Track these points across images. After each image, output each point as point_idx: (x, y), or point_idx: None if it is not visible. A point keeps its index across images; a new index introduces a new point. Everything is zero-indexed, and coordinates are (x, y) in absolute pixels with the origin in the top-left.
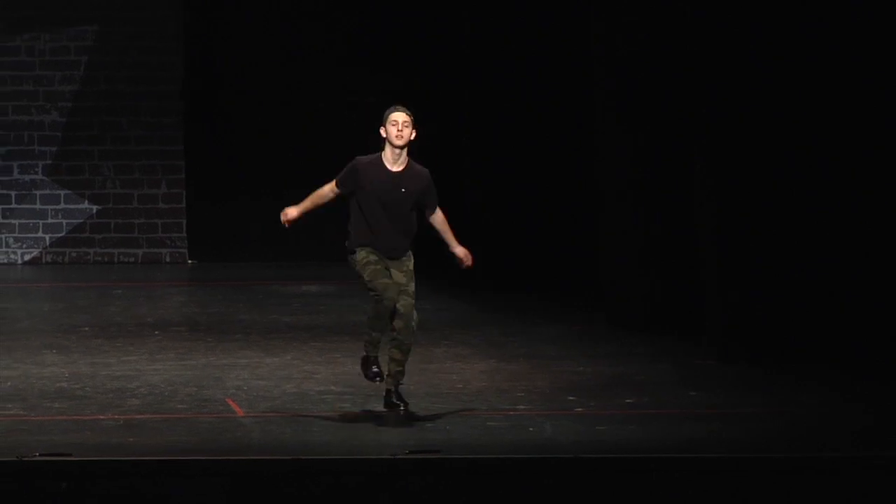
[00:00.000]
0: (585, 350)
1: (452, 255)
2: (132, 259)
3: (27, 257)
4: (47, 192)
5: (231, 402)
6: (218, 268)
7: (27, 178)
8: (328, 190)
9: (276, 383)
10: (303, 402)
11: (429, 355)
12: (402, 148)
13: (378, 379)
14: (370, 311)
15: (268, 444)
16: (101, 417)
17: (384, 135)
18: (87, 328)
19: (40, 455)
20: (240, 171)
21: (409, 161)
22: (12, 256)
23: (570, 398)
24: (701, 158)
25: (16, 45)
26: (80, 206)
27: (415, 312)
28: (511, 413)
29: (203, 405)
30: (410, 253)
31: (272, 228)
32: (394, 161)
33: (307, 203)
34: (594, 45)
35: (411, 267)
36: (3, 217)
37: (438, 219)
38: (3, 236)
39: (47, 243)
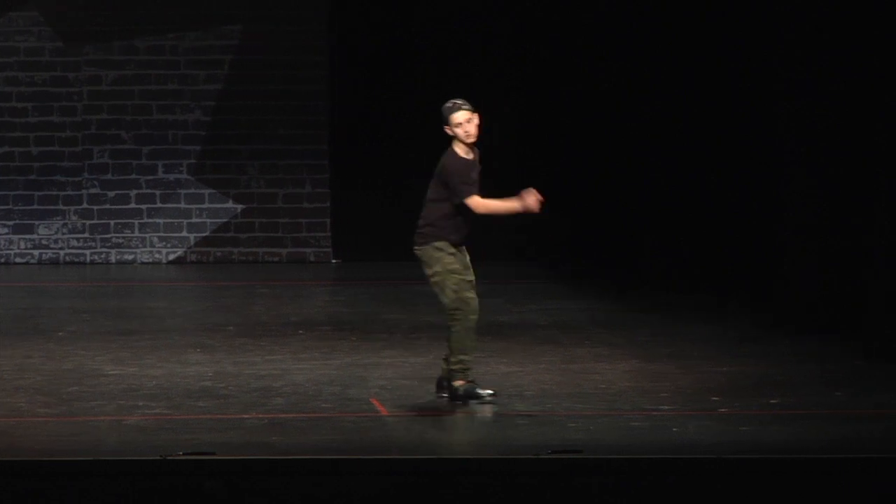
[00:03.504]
0: (731, 350)
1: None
2: (276, 258)
3: (172, 256)
4: (192, 191)
5: (375, 402)
6: (362, 267)
7: (171, 177)
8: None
9: (421, 383)
10: (447, 402)
11: (572, 355)
12: (474, 144)
13: (489, 395)
14: (457, 331)
15: (411, 444)
16: (246, 416)
17: (451, 133)
18: (231, 327)
19: (184, 454)
20: (385, 171)
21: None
22: (157, 256)
23: (714, 398)
24: (876, 162)
25: (160, 45)
26: (225, 205)
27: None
28: (654, 413)
29: (347, 404)
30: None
31: (416, 227)
32: (470, 151)
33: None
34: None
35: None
36: (148, 216)
37: None
38: (147, 235)
39: (192, 243)
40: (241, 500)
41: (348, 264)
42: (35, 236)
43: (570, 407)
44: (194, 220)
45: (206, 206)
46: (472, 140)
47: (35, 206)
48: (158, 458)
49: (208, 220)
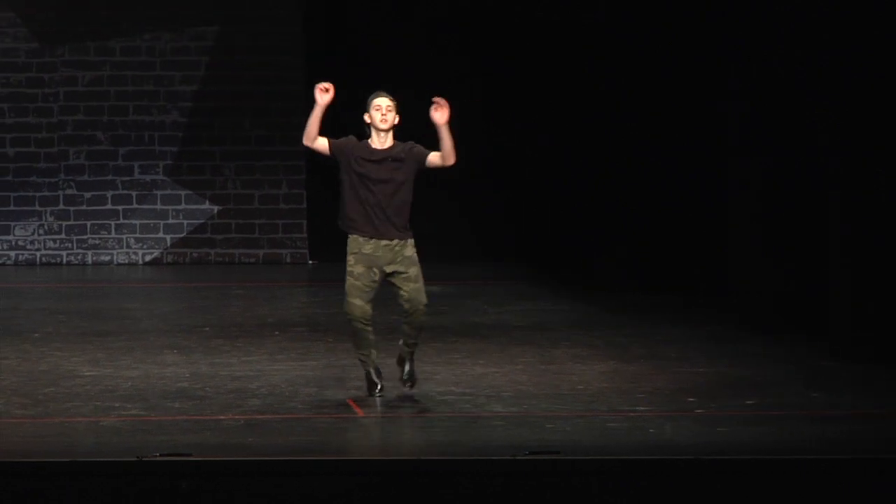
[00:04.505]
0: (707, 351)
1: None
2: (253, 259)
3: (148, 258)
4: (168, 192)
5: (351, 403)
6: (339, 268)
7: (148, 178)
8: (322, 140)
9: (396, 384)
10: (424, 403)
11: (548, 356)
12: (386, 131)
13: (377, 392)
14: (348, 331)
15: (388, 445)
16: (222, 418)
17: (368, 121)
18: (207, 328)
19: (160, 455)
20: None
21: (394, 142)
22: (133, 257)
23: (691, 399)
24: (831, 156)
25: (137, 46)
26: (201, 206)
27: (422, 295)
28: (631, 414)
29: (323, 406)
30: (410, 241)
31: None
32: (380, 143)
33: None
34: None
35: (409, 253)
36: (124, 217)
37: (438, 153)
38: (124, 236)
39: (168, 244)
40: (216, 501)
41: (325, 265)
42: (11, 237)
43: (548, 408)
44: (171, 221)
45: (182, 207)
46: (382, 127)
47: (11, 207)
48: (135, 459)
49: (185, 221)
